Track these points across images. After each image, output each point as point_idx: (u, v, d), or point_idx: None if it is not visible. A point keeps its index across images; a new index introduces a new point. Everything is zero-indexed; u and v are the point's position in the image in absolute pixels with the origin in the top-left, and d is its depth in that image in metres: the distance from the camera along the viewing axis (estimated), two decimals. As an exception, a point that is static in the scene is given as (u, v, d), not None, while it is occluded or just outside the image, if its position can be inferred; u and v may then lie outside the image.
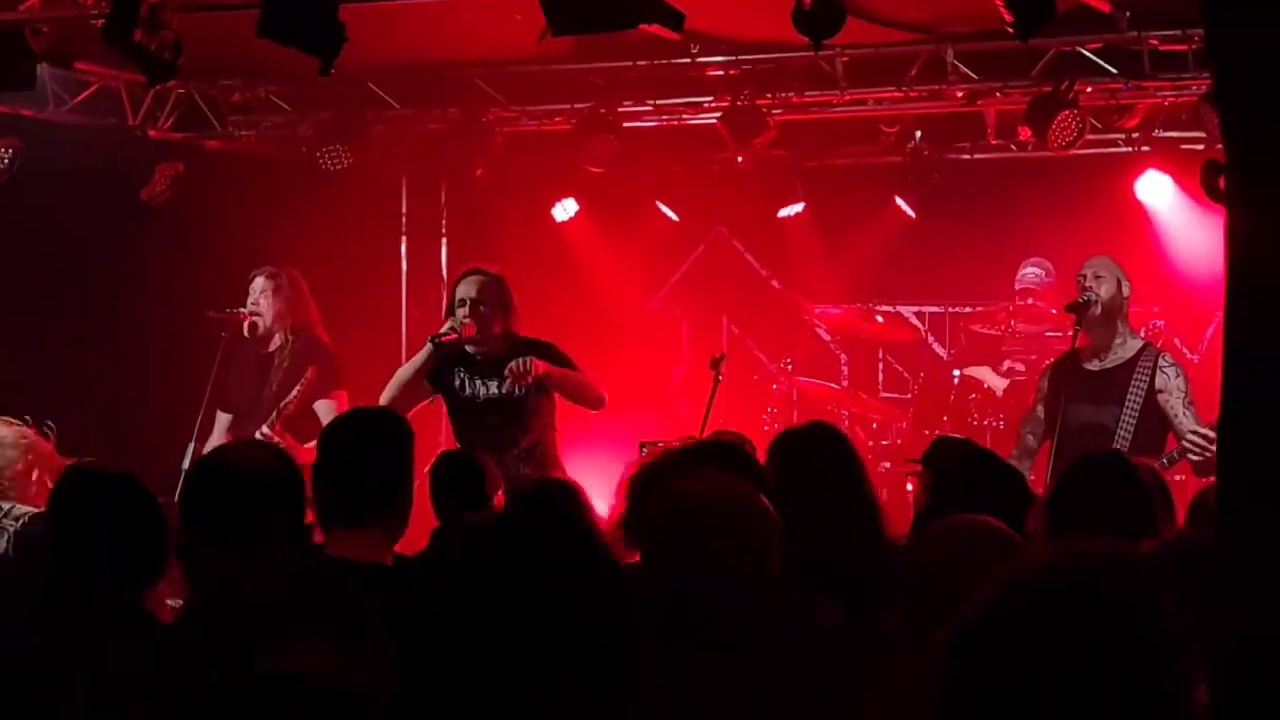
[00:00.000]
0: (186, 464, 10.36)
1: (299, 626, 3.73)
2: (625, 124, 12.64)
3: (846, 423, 13.28)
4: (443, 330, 9.50)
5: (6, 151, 11.55)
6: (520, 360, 9.32)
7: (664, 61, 11.85)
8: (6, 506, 6.61)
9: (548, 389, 9.54)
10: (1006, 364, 12.62)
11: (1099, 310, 9.60)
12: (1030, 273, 12.49)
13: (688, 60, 11.86)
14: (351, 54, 9.12)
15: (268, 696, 2.97)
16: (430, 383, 9.65)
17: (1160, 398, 9.41)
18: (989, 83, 11.63)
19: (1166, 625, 2.37)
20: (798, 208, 13.53)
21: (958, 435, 10.23)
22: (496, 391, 9.53)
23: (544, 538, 3.40)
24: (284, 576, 4.14)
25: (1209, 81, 10.48)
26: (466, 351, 9.56)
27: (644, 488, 5.37)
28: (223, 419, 10.68)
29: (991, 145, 12.90)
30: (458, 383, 9.61)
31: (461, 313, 9.50)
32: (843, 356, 14.26)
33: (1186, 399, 9.40)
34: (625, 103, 12.55)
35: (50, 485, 6.50)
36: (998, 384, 12.53)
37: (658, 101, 12.64)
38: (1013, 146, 12.67)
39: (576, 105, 12.64)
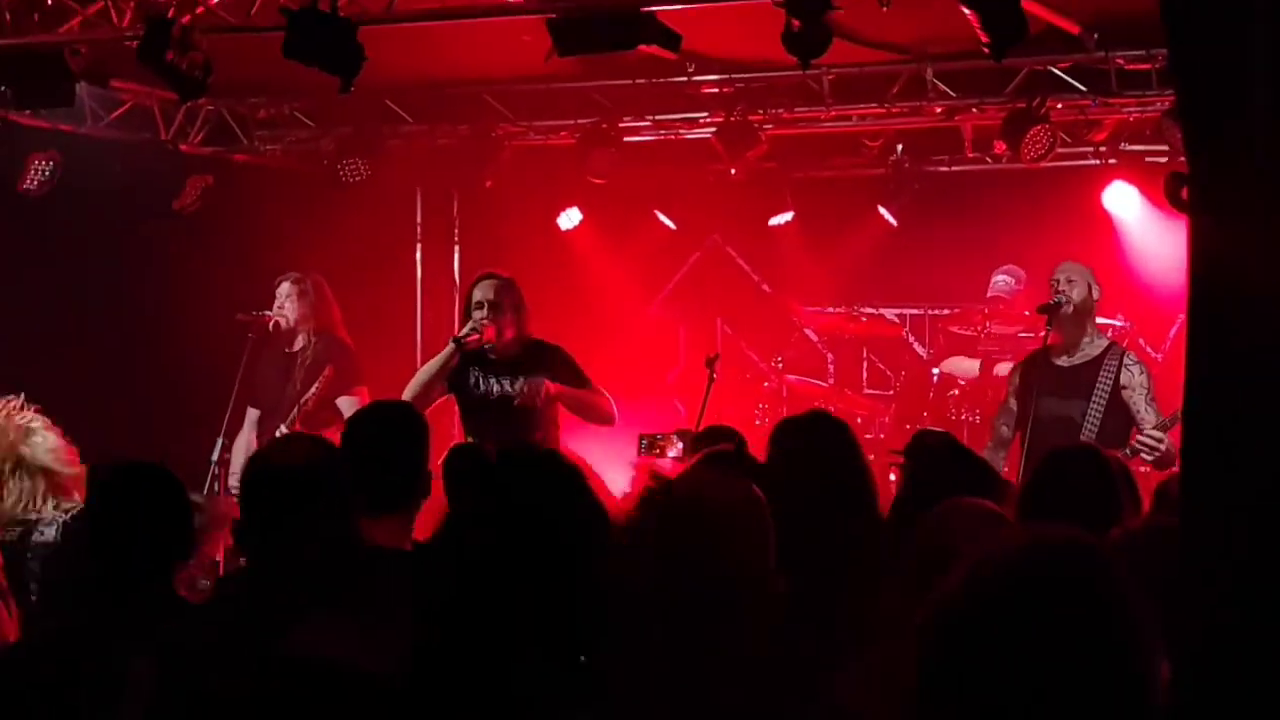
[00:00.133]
0: (216, 456, 10.37)
1: (322, 609, 3.74)
2: (625, 138, 12.65)
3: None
4: (464, 332, 9.47)
5: (47, 164, 11.56)
6: (532, 382, 9.31)
7: (662, 80, 11.85)
8: (55, 499, 6.62)
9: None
10: (998, 365, 12.62)
11: (1070, 310, 9.62)
12: (1000, 280, 12.51)
13: (684, 79, 11.87)
14: (370, 73, 9.13)
15: (287, 677, 2.96)
16: (444, 380, 9.65)
17: (1125, 394, 9.43)
18: (966, 99, 11.64)
19: (1127, 605, 2.37)
20: (787, 216, 13.52)
21: (937, 429, 10.22)
22: (510, 390, 9.52)
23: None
24: (313, 561, 4.14)
25: (1172, 98, 10.51)
26: (482, 351, 9.55)
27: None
28: (252, 414, 10.70)
29: (968, 158, 12.90)
30: (472, 381, 9.59)
31: (479, 315, 9.48)
32: (829, 356, 14.25)
33: (1149, 396, 9.42)
34: (625, 118, 12.55)
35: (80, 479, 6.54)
36: (971, 366, 12.55)
37: (656, 117, 12.65)
38: (988, 159, 12.66)
39: (580, 121, 12.65)
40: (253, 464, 4.81)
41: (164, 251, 12.57)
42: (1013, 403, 9.73)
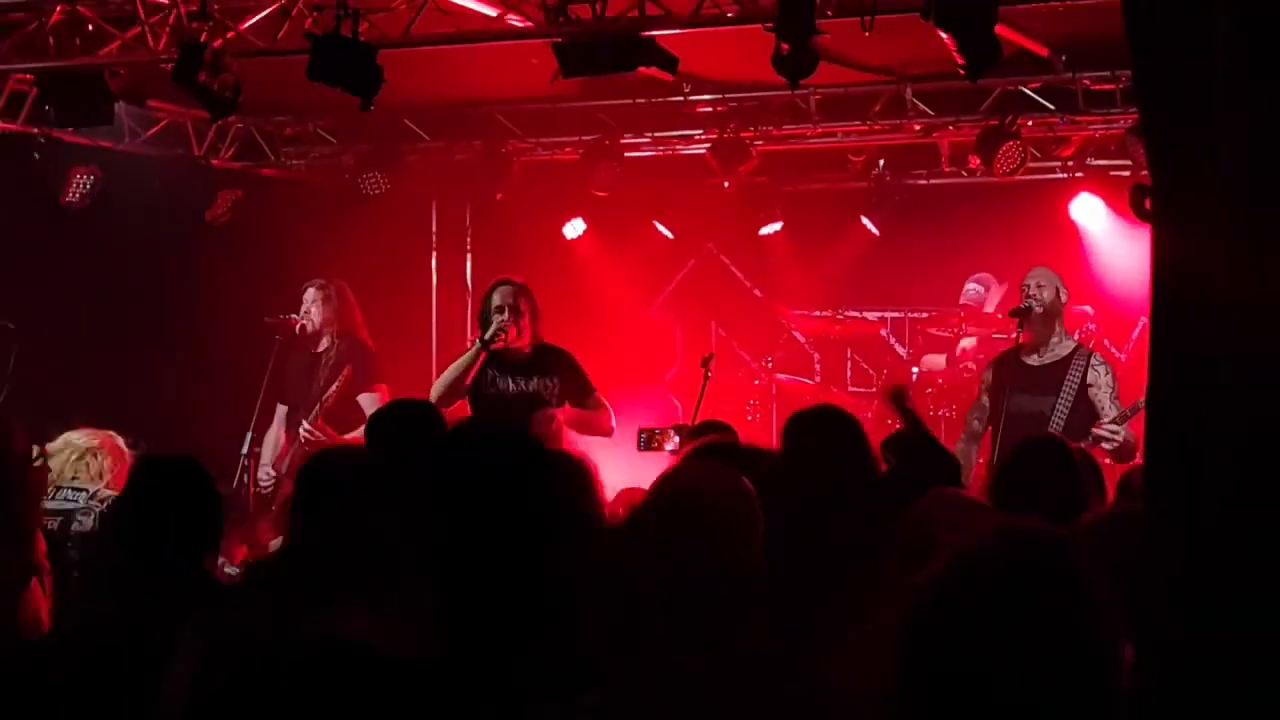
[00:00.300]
0: (245, 450, 10.36)
1: (344, 593, 3.72)
2: (626, 154, 12.65)
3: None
4: (489, 334, 9.38)
5: (88, 179, 11.55)
6: (544, 414, 9.28)
7: (660, 100, 11.86)
8: (93, 489, 6.62)
9: (560, 387, 9.50)
10: (964, 365, 12.61)
11: (1040, 311, 9.60)
12: (971, 289, 12.53)
13: (681, 99, 11.87)
14: (388, 93, 9.13)
15: (306, 658, 2.94)
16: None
17: (1090, 391, 9.41)
18: (943, 117, 11.64)
19: (1091, 589, 2.36)
20: (777, 226, 13.50)
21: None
22: (523, 389, 9.48)
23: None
24: (346, 549, 4.12)
25: (1135, 116, 10.51)
26: (497, 352, 9.49)
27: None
28: (280, 410, 10.68)
29: (945, 172, 12.92)
30: (487, 380, 9.53)
31: (500, 318, 9.41)
32: (816, 356, 14.23)
33: (1113, 393, 9.41)
34: (626, 135, 12.55)
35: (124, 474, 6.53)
36: (939, 360, 12.57)
37: (655, 134, 12.65)
38: (964, 173, 12.68)
39: (584, 137, 12.65)
40: (319, 458, 4.80)
41: (197, 260, 12.56)
42: (985, 399, 9.71)
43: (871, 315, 14.06)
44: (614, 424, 9.67)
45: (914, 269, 13.45)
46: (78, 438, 6.91)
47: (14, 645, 3.92)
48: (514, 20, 9.43)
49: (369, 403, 10.12)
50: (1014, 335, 9.71)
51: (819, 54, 8.61)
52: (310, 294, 10.69)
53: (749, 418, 13.19)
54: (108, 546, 5.29)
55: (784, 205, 13.45)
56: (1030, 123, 11.41)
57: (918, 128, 11.84)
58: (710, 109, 12.15)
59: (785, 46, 8.45)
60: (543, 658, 3.28)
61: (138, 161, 12.14)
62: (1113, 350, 12.02)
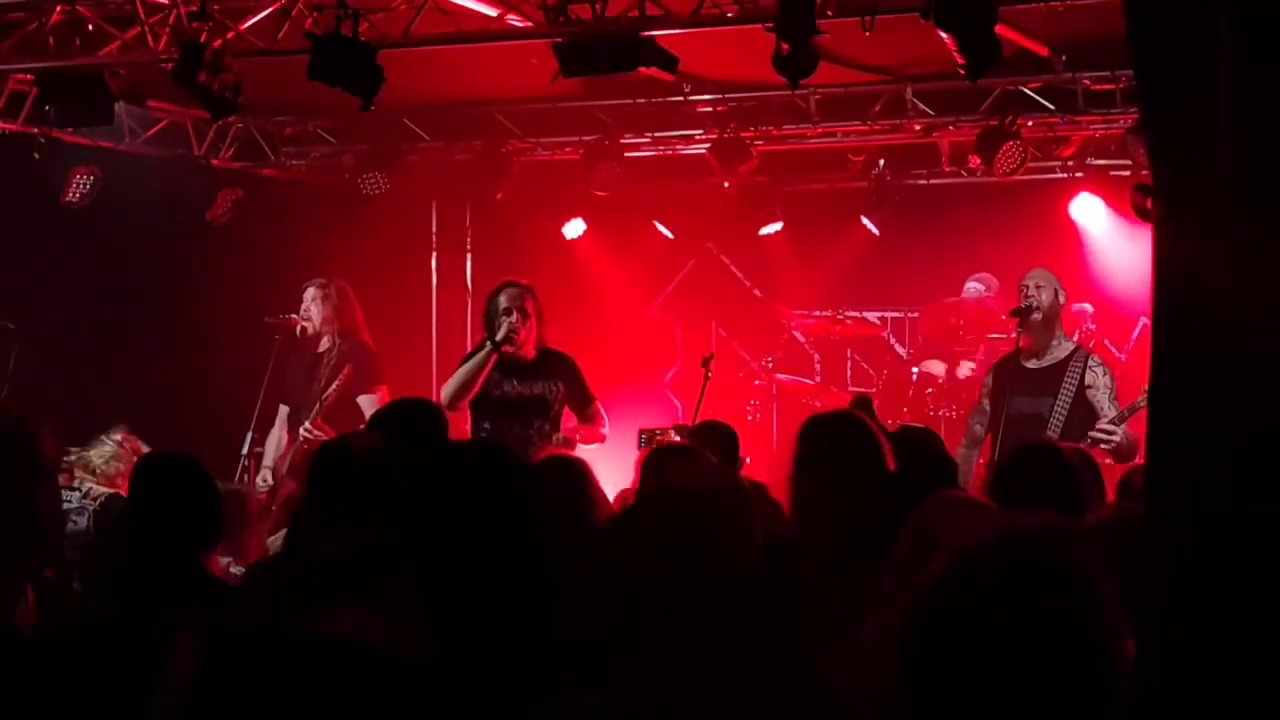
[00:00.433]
0: (246, 450, 10.37)
1: (344, 592, 3.72)
2: (626, 154, 12.64)
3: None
4: (501, 336, 9.34)
5: (88, 178, 11.55)
6: (559, 437, 9.29)
7: (660, 100, 11.86)
8: (85, 488, 6.63)
9: (564, 391, 9.50)
10: (963, 363, 12.61)
11: (1039, 316, 9.59)
12: (971, 288, 12.51)
13: (681, 98, 11.88)
14: (388, 93, 9.13)
15: (305, 657, 2.94)
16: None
17: (1089, 393, 9.41)
18: (943, 117, 11.65)
19: (1092, 589, 2.36)
20: (777, 226, 13.50)
21: (916, 425, 10.20)
22: (528, 392, 9.46)
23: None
24: (338, 547, 4.12)
25: (1135, 116, 10.53)
26: (503, 354, 9.45)
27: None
28: (283, 410, 10.66)
29: (945, 172, 12.92)
30: (492, 381, 9.49)
31: (510, 321, 9.37)
32: (816, 356, 14.23)
33: (1112, 394, 9.41)
34: (626, 135, 12.55)
35: None
36: (938, 369, 12.56)
37: (655, 134, 12.65)
38: (964, 173, 12.68)
39: (584, 137, 12.65)
40: (326, 452, 4.80)
41: (197, 259, 12.57)
42: (986, 403, 9.71)
43: (872, 315, 14.06)
44: (606, 432, 9.66)
45: (914, 269, 13.45)
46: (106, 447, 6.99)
47: (20, 644, 3.92)
48: (514, 20, 9.44)
49: (368, 404, 10.11)
50: (1013, 335, 9.71)
51: (819, 54, 8.61)
52: (310, 293, 10.68)
53: (749, 418, 13.19)
54: (104, 545, 5.30)
55: (784, 205, 13.45)
56: (1030, 123, 11.42)
57: (918, 128, 11.85)
58: (710, 109, 12.16)
59: (785, 46, 8.46)
60: (542, 658, 3.28)
61: (138, 161, 12.14)
62: (1113, 350, 12.02)
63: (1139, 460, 8.30)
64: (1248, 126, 2.16)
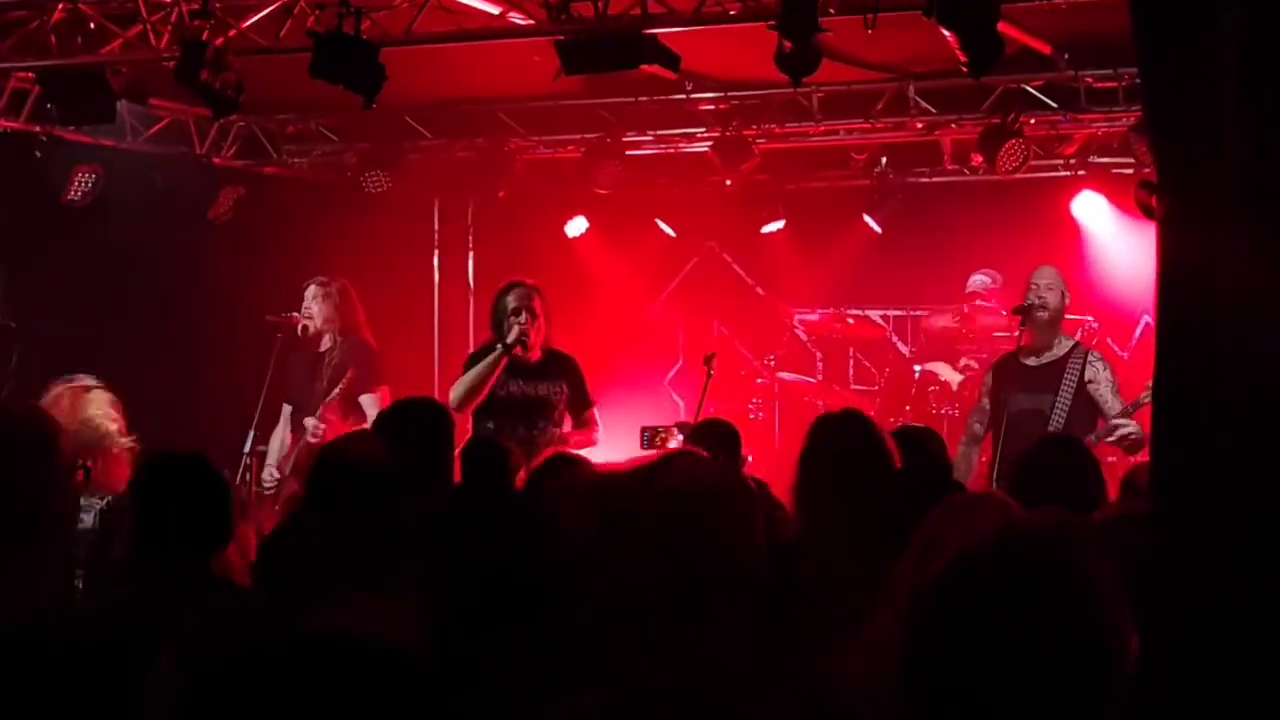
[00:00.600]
0: (247, 449, 10.36)
1: (349, 587, 3.72)
2: (628, 152, 12.65)
3: (822, 411, 13.22)
4: (512, 339, 9.29)
5: (90, 177, 11.55)
6: (556, 432, 9.28)
7: (662, 97, 11.86)
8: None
9: (565, 394, 9.48)
10: (963, 360, 12.62)
11: (1046, 315, 9.60)
12: (978, 280, 12.50)
13: (683, 96, 11.88)
14: (390, 91, 9.13)
15: (303, 656, 2.94)
16: None
17: (1090, 387, 9.42)
18: (945, 115, 11.65)
19: (1094, 587, 2.36)
20: (779, 224, 13.50)
21: (918, 424, 10.21)
22: (533, 393, 9.42)
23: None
24: (344, 541, 4.12)
25: (1137, 114, 10.52)
26: (505, 342, 9.41)
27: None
28: (286, 409, 10.66)
29: (948, 170, 12.92)
30: (498, 382, 9.46)
31: (520, 324, 9.30)
32: (818, 354, 14.23)
33: (1114, 387, 9.43)
34: (628, 133, 12.55)
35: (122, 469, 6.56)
36: (954, 378, 12.52)
37: (657, 132, 12.65)
38: (966, 171, 12.67)
39: (586, 135, 12.65)
40: (328, 453, 4.81)
41: (199, 258, 12.57)
42: (985, 402, 9.72)
43: (874, 313, 14.06)
44: (598, 438, 9.60)
45: (916, 267, 13.45)
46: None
47: (27, 642, 3.93)
48: (516, 18, 9.44)
49: (370, 403, 10.13)
50: (1016, 333, 9.72)
51: (821, 52, 8.62)
52: (311, 292, 10.68)
53: (751, 416, 13.18)
54: (110, 544, 5.29)
55: (786, 203, 13.45)
56: (1033, 120, 11.42)
57: (920, 125, 11.85)
58: (712, 107, 12.16)
59: (788, 44, 8.46)
60: (542, 657, 3.28)
61: (140, 160, 12.14)
62: (1115, 349, 12.02)
63: (1141, 458, 8.31)
64: (1253, 124, 2.16)
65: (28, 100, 11.02)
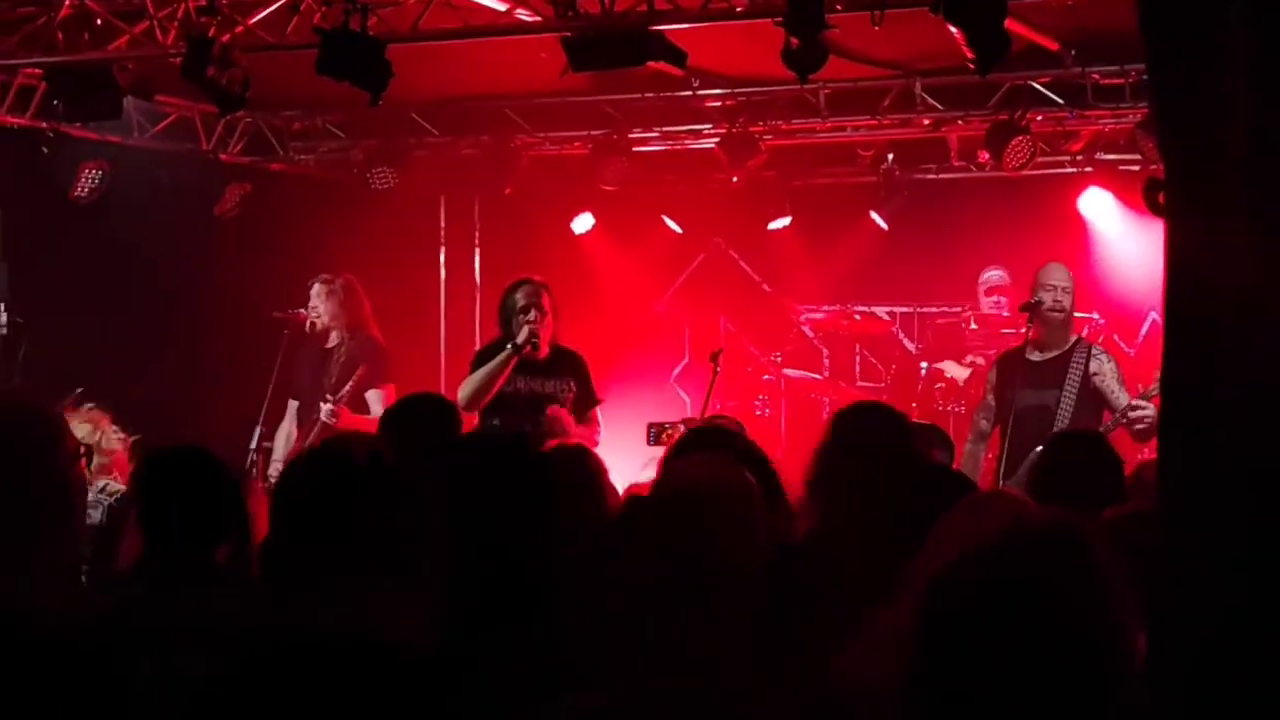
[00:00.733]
0: (254, 444, 10.36)
1: (354, 585, 3.70)
2: (635, 148, 12.65)
3: (828, 409, 13.26)
4: (522, 339, 9.25)
5: (97, 173, 11.55)
6: (554, 410, 9.23)
7: (669, 94, 11.86)
8: (101, 483, 6.63)
9: (573, 391, 9.45)
10: (969, 357, 12.60)
11: (1062, 317, 9.60)
12: (995, 274, 12.48)
13: (689, 93, 11.88)
14: (397, 88, 9.12)
15: (308, 655, 2.93)
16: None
17: (1095, 380, 9.41)
18: (952, 112, 11.64)
19: (1098, 586, 2.36)
20: (785, 221, 13.50)
21: (923, 421, 10.19)
22: (540, 390, 9.40)
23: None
24: (350, 538, 4.11)
25: (1144, 110, 10.51)
26: (515, 342, 9.38)
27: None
28: (292, 405, 10.66)
29: (954, 166, 12.91)
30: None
31: (531, 324, 9.26)
32: (825, 351, 14.21)
33: (1118, 379, 9.44)
34: (635, 130, 12.55)
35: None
36: (960, 374, 12.51)
37: (663, 129, 12.65)
38: (973, 167, 12.67)
39: (593, 132, 12.65)
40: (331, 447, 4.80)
41: (205, 254, 12.58)
42: (991, 399, 9.71)
43: (880, 310, 14.04)
44: (599, 439, 9.52)
45: (923, 264, 13.44)
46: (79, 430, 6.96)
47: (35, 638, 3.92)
48: (522, 15, 9.43)
49: (375, 399, 10.14)
50: (1023, 330, 9.72)
51: (828, 48, 8.61)
52: (316, 289, 10.68)
53: (758, 413, 13.18)
54: (118, 539, 5.29)
55: (793, 200, 13.44)
56: (1040, 117, 11.40)
57: (927, 122, 11.84)
58: (719, 103, 12.15)
59: (794, 41, 8.45)
60: (545, 655, 3.27)
61: (146, 156, 12.15)
62: (1122, 345, 12.01)
63: (1150, 455, 8.30)
64: (1258, 121, 2.15)
65: (34, 96, 11.03)
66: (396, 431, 5.72)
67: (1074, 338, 9.76)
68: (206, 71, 9.33)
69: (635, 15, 8.96)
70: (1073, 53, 10.70)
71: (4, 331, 10.90)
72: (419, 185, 13.45)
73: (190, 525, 4.61)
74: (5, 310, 10.90)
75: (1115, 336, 12.11)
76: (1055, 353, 9.57)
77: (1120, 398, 9.32)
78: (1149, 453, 8.54)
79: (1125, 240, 12.50)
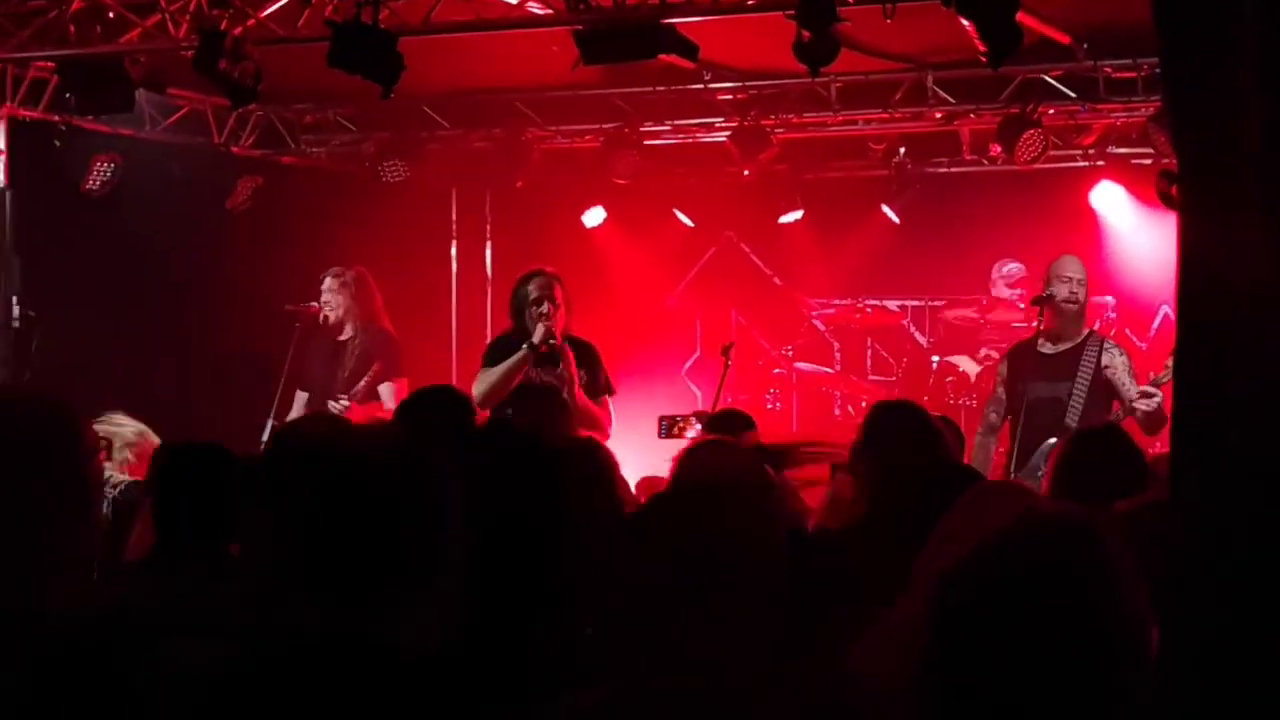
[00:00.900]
0: (266, 436, 10.37)
1: (364, 584, 3.70)
2: (646, 142, 12.65)
3: (839, 402, 13.28)
4: (537, 339, 9.21)
5: (109, 166, 11.56)
6: (566, 375, 9.19)
7: (680, 87, 11.85)
8: (106, 475, 6.63)
9: (586, 381, 9.43)
10: (983, 351, 12.59)
11: (1077, 310, 9.59)
12: (1015, 267, 12.46)
13: (701, 86, 11.87)
14: (408, 81, 9.12)
15: (322, 656, 2.93)
16: (488, 366, 9.48)
17: (1107, 372, 9.41)
18: (964, 105, 11.62)
19: (1110, 580, 2.35)
20: (797, 215, 13.48)
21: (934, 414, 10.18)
22: (552, 380, 9.37)
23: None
24: (360, 536, 4.11)
25: (1156, 104, 10.49)
26: (531, 342, 9.35)
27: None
28: (301, 397, 10.66)
29: (966, 160, 12.89)
30: None
31: (538, 310, 9.24)
32: (836, 344, 14.21)
33: (1130, 371, 9.43)
34: (646, 123, 12.54)
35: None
36: (972, 369, 12.50)
37: (675, 122, 12.64)
38: (984, 161, 12.65)
39: (604, 125, 12.65)
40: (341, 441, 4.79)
41: (217, 247, 12.59)
42: (1001, 391, 9.70)
43: (892, 304, 14.04)
44: (610, 430, 9.49)
45: (934, 257, 13.44)
46: (126, 430, 7.02)
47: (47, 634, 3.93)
48: (534, 7, 9.43)
49: (388, 393, 10.16)
50: (1035, 324, 9.71)
51: (840, 41, 8.60)
52: (328, 282, 10.70)
53: (769, 406, 13.19)
54: (121, 533, 5.29)
55: (804, 193, 13.43)
56: (1051, 110, 11.38)
57: (939, 115, 11.83)
58: (730, 96, 12.14)
59: (806, 34, 8.44)
60: (555, 653, 3.27)
61: (158, 149, 12.16)
62: (1133, 339, 12.01)
63: (1162, 448, 8.29)
64: (1275, 114, 2.15)
65: (47, 90, 11.04)
66: (411, 424, 5.72)
67: (1087, 330, 9.75)
68: (218, 64, 9.34)
69: (647, 8, 8.96)
70: (1085, 46, 10.68)
71: (16, 324, 10.92)
72: (430, 178, 13.46)
73: (202, 520, 4.62)
74: (17, 303, 10.92)
75: (1127, 330, 12.10)
76: (1068, 345, 9.57)
77: (1130, 390, 9.32)
78: (1160, 446, 8.53)
79: (1137, 234, 12.49)
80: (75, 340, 11.02)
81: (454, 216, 15.38)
